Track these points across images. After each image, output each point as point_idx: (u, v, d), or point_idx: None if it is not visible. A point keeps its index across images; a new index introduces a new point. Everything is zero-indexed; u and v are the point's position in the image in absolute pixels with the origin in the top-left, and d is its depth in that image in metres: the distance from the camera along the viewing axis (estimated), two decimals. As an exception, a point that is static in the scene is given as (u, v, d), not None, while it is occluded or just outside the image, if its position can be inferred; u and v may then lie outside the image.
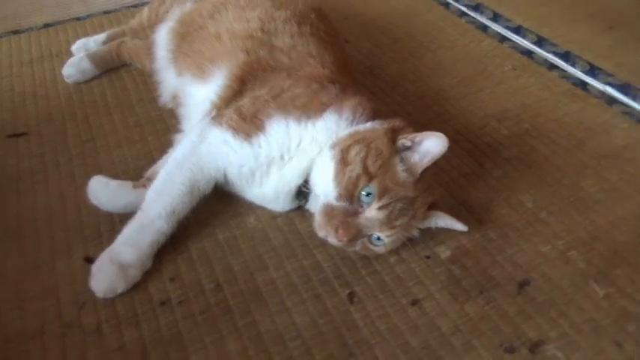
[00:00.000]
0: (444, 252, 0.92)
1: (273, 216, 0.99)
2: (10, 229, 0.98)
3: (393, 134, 0.87)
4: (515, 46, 1.46)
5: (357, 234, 0.83)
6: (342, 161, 0.84)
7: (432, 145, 0.83)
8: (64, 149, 1.16)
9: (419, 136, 0.84)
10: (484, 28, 1.55)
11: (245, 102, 0.95)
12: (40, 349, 0.79)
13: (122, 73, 1.39)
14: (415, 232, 0.90)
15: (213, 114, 0.99)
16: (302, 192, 0.94)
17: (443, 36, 1.53)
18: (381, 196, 0.82)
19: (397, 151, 0.85)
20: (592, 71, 1.34)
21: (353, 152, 0.84)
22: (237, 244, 0.94)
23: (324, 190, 0.85)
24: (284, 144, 0.90)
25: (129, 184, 0.98)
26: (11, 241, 0.95)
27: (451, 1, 1.68)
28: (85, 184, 0.98)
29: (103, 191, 0.97)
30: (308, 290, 0.86)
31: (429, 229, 0.93)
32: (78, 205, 1.01)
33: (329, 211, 0.84)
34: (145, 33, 1.35)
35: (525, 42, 1.47)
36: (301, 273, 0.89)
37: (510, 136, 1.17)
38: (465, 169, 1.09)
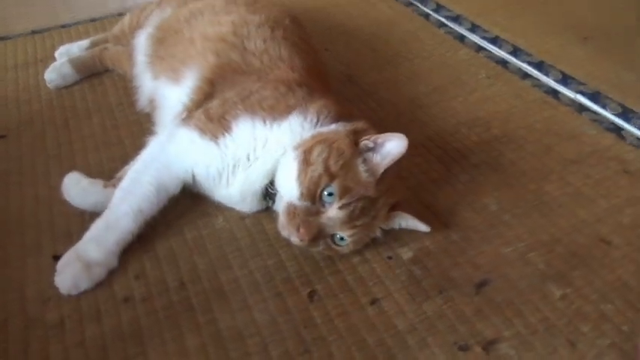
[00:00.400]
0: (406, 253, 0.94)
1: (242, 217, 1.00)
2: (-19, 227, 0.99)
3: (356, 135, 0.89)
4: (491, 56, 1.49)
5: (319, 233, 0.85)
6: (305, 162, 0.86)
7: (393, 145, 0.85)
8: (42, 152, 1.18)
9: (381, 138, 0.86)
10: (461, 38, 1.58)
11: (214, 104, 0.97)
12: (1, 342, 0.80)
13: (104, 78, 1.41)
14: (378, 233, 0.92)
15: (183, 115, 1.01)
16: (269, 193, 0.96)
17: (421, 46, 1.56)
18: (342, 196, 0.84)
19: (360, 152, 0.87)
20: (564, 80, 1.37)
21: (315, 153, 0.86)
22: (204, 243, 0.96)
23: (287, 190, 0.87)
24: (249, 145, 0.92)
25: (100, 182, 1.00)
26: (-18, 238, 0.97)
27: (431, 12, 1.72)
28: (59, 185, 1.00)
29: (75, 188, 0.99)
30: (270, 289, 0.88)
31: (393, 230, 0.94)
32: (51, 205, 1.03)
33: (291, 211, 0.85)
34: (127, 39, 1.38)
35: (501, 52, 1.50)
36: (264, 272, 0.90)
37: (479, 142, 1.19)
38: (434, 174, 1.11)
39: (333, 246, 0.88)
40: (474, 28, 1.61)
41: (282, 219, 0.87)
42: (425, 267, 0.91)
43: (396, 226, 0.94)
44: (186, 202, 1.01)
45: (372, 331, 0.81)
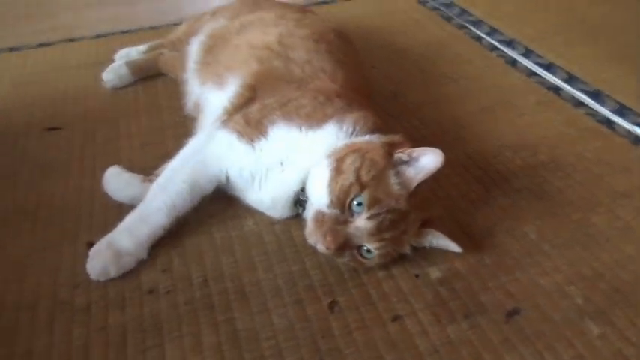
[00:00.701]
0: (435, 272, 0.90)
1: (271, 222, 1.00)
2: (27, 211, 1.04)
3: (391, 148, 0.87)
4: (543, 82, 1.44)
5: (345, 243, 0.84)
6: (337, 170, 0.85)
7: (428, 160, 0.83)
8: (91, 146, 1.23)
9: (416, 152, 0.84)
10: (513, 62, 1.54)
11: (253, 108, 0.99)
12: (29, 320, 0.83)
13: (157, 82, 1.47)
14: (407, 249, 0.89)
15: (223, 118, 1.03)
16: (299, 200, 0.96)
17: (470, 68, 1.53)
18: (371, 206, 0.82)
19: (393, 164, 0.86)
20: (621, 110, 1.30)
21: (348, 161, 0.85)
22: (232, 244, 0.96)
23: (317, 197, 0.87)
24: (284, 150, 0.93)
25: (139, 177, 1.03)
26: (26, 222, 1.02)
27: (484, 36, 1.69)
28: (102, 178, 1.04)
29: (115, 181, 1.02)
30: (291, 295, 0.87)
31: (423, 248, 0.92)
32: (92, 196, 1.07)
33: (320, 218, 0.85)
34: (182, 45, 1.43)
35: (554, 78, 1.45)
36: (288, 278, 0.90)
37: (524, 167, 1.14)
38: (472, 195, 1.07)
39: (359, 258, 0.87)
40: (527, 53, 1.57)
41: (309, 226, 0.87)
42: (453, 288, 0.88)
43: (427, 244, 0.91)
44: (219, 204, 1.02)
45: (392, 349, 0.79)
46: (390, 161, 0.85)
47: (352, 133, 0.92)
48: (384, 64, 1.56)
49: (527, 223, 1.00)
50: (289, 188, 0.94)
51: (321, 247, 0.85)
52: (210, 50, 1.24)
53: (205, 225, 0.99)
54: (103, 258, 0.89)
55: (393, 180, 0.85)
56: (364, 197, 0.82)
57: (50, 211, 1.05)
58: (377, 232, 0.83)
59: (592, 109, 1.33)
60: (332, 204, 0.84)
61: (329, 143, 0.91)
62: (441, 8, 1.89)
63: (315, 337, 0.80)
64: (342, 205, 0.84)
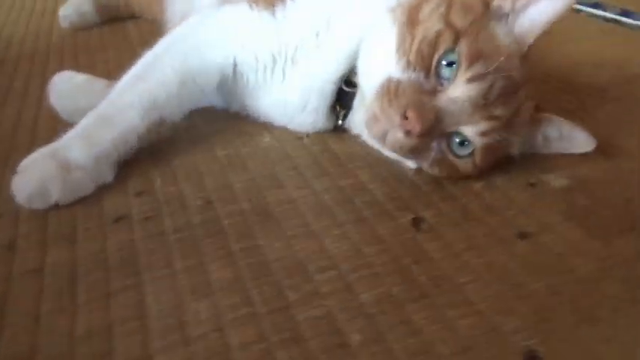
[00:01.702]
0: (557, 180, 0.60)
1: (298, 137, 0.69)
2: None
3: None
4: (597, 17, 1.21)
5: (437, 124, 0.53)
6: (410, 23, 0.56)
7: (549, 3, 0.55)
8: (39, 79, 0.91)
9: None
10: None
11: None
12: None
13: (127, 24, 1.17)
14: (517, 146, 0.59)
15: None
16: (341, 101, 0.65)
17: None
18: (472, 62, 0.52)
19: (494, 16, 0.57)
20: None
21: (427, 9, 0.56)
22: (243, 161, 0.64)
23: (381, 69, 0.56)
24: (320, 14, 0.63)
25: (102, 80, 0.71)
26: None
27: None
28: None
29: (66, 86, 0.70)
30: (347, 212, 0.54)
31: (530, 156, 0.62)
32: (35, 122, 0.74)
33: (392, 89, 0.54)
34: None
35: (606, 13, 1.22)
36: (336, 193, 0.58)
37: (611, 80, 0.87)
38: (567, 105, 0.79)
39: (451, 157, 0.56)
40: None
41: (374, 106, 0.55)
42: (594, 196, 0.57)
43: (539, 143, 0.62)
44: (219, 121, 0.71)
45: (535, 273, 0.47)
46: (488, 10, 0.57)
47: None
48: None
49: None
50: (329, 73, 0.63)
51: (397, 134, 0.53)
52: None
53: (203, 144, 0.67)
54: (39, 172, 0.55)
55: (499, 29, 0.56)
56: (461, 50, 0.53)
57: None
58: (483, 105, 0.53)
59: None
60: (409, 64, 0.54)
61: (390, -2, 0.62)
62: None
63: (401, 263, 0.47)
64: (427, 63, 0.54)
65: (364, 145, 0.65)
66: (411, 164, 0.60)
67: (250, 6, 0.66)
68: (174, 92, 0.63)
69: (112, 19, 1.17)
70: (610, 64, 0.93)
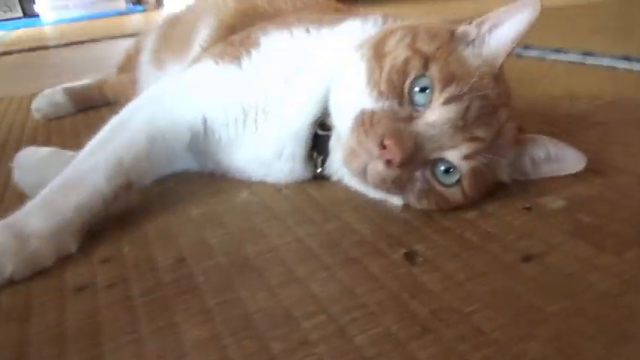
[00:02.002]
0: (553, 202, 0.56)
1: (277, 189, 0.65)
2: None
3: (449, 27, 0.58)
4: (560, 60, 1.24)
5: (417, 151, 0.50)
6: (377, 56, 0.55)
7: (517, 18, 0.54)
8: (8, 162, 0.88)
9: (492, 16, 0.55)
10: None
11: (235, 36, 0.70)
12: None
13: (102, 112, 1.17)
14: (505, 175, 0.56)
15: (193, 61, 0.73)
16: (318, 147, 0.63)
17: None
18: (445, 84, 0.51)
19: (460, 42, 0.56)
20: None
21: (392, 42, 0.56)
22: (219, 218, 0.59)
23: (355, 102, 0.54)
24: (288, 61, 0.62)
25: (66, 152, 0.68)
26: None
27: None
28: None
29: (30, 160, 0.67)
30: (334, 255, 0.49)
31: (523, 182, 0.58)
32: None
33: (366, 120, 0.52)
34: (133, 62, 1.17)
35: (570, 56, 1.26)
36: (321, 238, 0.53)
37: (591, 108, 0.87)
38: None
39: (437, 186, 0.53)
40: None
41: (350, 141, 0.53)
42: (596, 213, 0.53)
43: (528, 167, 0.58)
44: (194, 183, 0.68)
45: (548, 295, 0.41)
46: (454, 38, 0.56)
47: (383, 24, 0.63)
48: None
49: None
50: (304, 116, 0.61)
51: (377, 166, 0.50)
52: (164, 39, 0.98)
53: (176, 205, 0.63)
54: (-8, 245, 0.50)
55: (467, 52, 0.55)
56: (433, 74, 0.51)
57: None
58: (463, 127, 0.51)
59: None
60: (381, 95, 0.52)
61: (353, 37, 0.61)
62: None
63: (398, 299, 0.42)
64: (399, 91, 0.52)
65: (347, 190, 0.61)
66: (397, 201, 0.57)
67: (215, 61, 0.65)
68: (142, 152, 0.60)
69: (86, 107, 1.17)
70: (585, 96, 0.93)
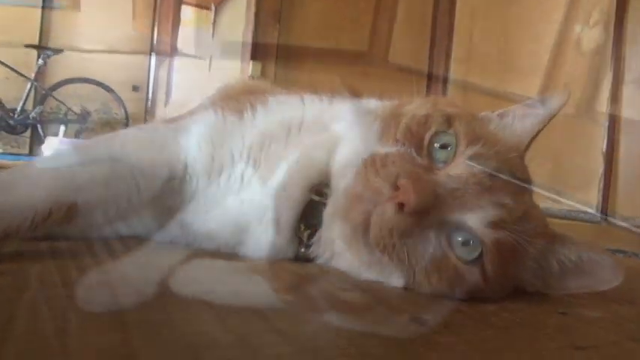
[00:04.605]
0: (590, 312, 0.45)
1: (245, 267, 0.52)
2: None
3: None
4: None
5: (434, 201, 0.41)
6: (393, 116, 0.50)
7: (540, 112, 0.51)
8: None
9: (515, 109, 0.52)
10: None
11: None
12: None
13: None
14: (529, 267, 0.46)
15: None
16: (307, 218, 0.53)
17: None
18: (471, 141, 0.45)
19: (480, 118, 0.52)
20: None
21: (410, 106, 0.51)
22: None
23: (364, 149, 0.47)
24: (296, 116, 0.56)
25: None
26: None
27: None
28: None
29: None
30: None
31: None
32: None
33: (378, 161, 0.44)
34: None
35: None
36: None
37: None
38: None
39: (453, 257, 0.42)
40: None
41: (354, 184, 0.45)
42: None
43: (555, 274, 0.48)
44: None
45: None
46: (476, 115, 0.52)
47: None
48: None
49: None
50: (302, 178, 0.52)
51: (386, 210, 0.41)
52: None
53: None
54: None
55: (492, 127, 0.50)
56: (458, 130, 0.46)
57: None
58: (489, 187, 0.43)
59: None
60: (397, 142, 0.46)
61: (364, 110, 0.56)
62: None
63: None
64: (418, 140, 0.45)
65: (336, 273, 0.49)
66: (397, 281, 0.45)
67: (215, 111, 0.59)
68: (101, 177, 0.50)
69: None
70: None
